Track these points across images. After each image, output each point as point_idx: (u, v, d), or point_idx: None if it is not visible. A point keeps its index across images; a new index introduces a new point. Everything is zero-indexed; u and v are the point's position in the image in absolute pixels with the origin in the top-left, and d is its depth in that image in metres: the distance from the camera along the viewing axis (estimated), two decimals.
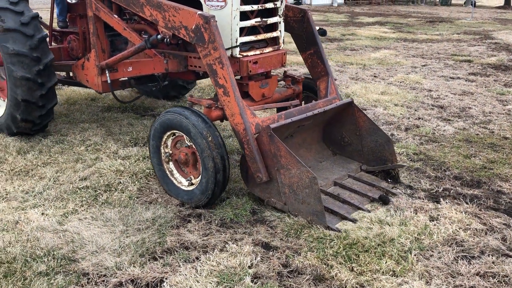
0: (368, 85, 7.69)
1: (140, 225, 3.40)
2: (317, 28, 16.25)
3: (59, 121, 5.73)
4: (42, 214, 3.55)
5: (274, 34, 4.19)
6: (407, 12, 27.17)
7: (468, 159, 4.67)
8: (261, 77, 4.19)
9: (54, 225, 3.39)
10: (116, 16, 4.52)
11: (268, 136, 3.40)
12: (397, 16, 23.51)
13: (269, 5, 4.05)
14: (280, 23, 4.21)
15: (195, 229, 3.37)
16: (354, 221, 3.44)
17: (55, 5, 5.46)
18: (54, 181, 4.11)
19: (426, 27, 17.91)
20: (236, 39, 3.86)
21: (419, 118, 6.00)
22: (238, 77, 3.99)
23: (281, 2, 4.14)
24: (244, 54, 3.94)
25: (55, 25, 5.71)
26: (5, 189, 3.96)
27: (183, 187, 3.80)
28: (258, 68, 4.00)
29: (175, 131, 3.73)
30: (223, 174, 3.53)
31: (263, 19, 4.03)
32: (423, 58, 10.78)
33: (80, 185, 4.01)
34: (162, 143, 3.85)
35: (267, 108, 4.05)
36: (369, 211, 3.57)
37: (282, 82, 4.51)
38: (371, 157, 4.15)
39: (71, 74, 5.32)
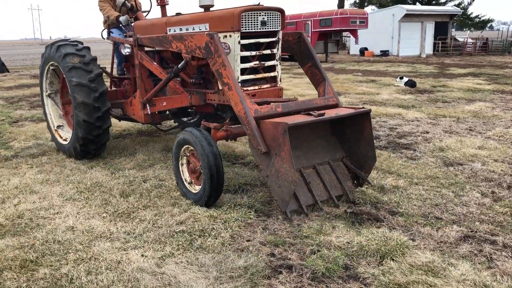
0: (463, 139, 7.35)
1: (233, 272, 3.46)
2: (406, 79, 15.93)
3: (158, 167, 6.10)
4: (142, 255, 3.74)
5: (272, 74, 5.20)
6: (503, 62, 25.90)
7: None
8: None
9: (152, 267, 3.55)
10: (155, 63, 5.72)
11: (283, 130, 3.95)
12: (492, 67, 22.48)
13: (267, 52, 5.08)
14: (277, 65, 5.20)
15: (287, 281, 3.35)
16: (306, 214, 4.35)
17: (115, 57, 6.98)
18: (153, 223, 4.35)
19: None
20: (238, 77, 4.84)
21: None
22: None
23: (277, 49, 5.16)
24: (245, 88, 4.89)
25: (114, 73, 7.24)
26: (109, 230, 4.25)
27: (191, 189, 4.85)
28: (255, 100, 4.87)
29: (188, 146, 4.74)
30: (217, 181, 4.44)
31: (262, 62, 5.07)
32: None
33: (176, 229, 4.19)
34: (181, 153, 4.91)
35: (266, 102, 4.80)
36: (321, 209, 4.45)
37: None
38: (355, 157, 4.94)
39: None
